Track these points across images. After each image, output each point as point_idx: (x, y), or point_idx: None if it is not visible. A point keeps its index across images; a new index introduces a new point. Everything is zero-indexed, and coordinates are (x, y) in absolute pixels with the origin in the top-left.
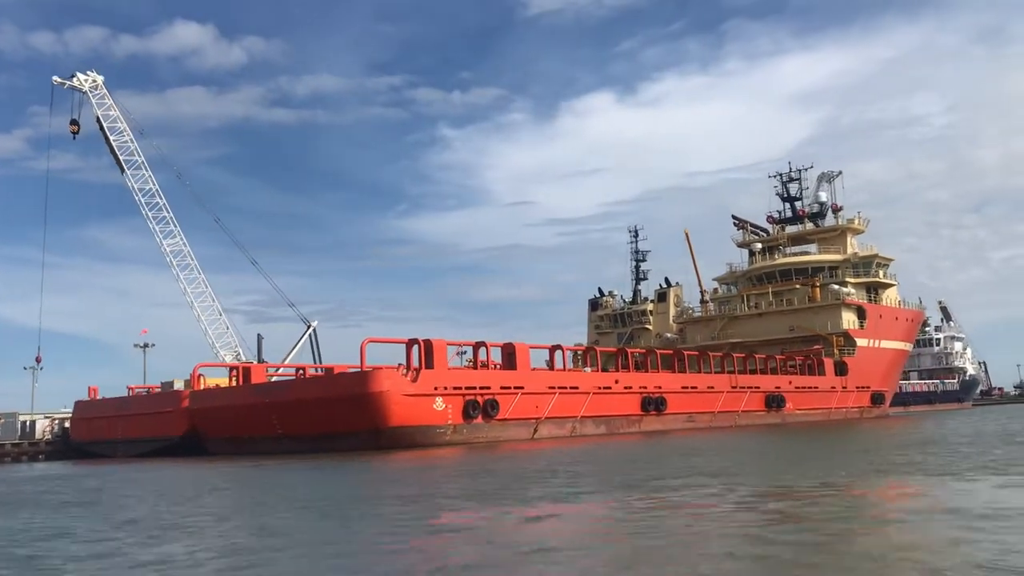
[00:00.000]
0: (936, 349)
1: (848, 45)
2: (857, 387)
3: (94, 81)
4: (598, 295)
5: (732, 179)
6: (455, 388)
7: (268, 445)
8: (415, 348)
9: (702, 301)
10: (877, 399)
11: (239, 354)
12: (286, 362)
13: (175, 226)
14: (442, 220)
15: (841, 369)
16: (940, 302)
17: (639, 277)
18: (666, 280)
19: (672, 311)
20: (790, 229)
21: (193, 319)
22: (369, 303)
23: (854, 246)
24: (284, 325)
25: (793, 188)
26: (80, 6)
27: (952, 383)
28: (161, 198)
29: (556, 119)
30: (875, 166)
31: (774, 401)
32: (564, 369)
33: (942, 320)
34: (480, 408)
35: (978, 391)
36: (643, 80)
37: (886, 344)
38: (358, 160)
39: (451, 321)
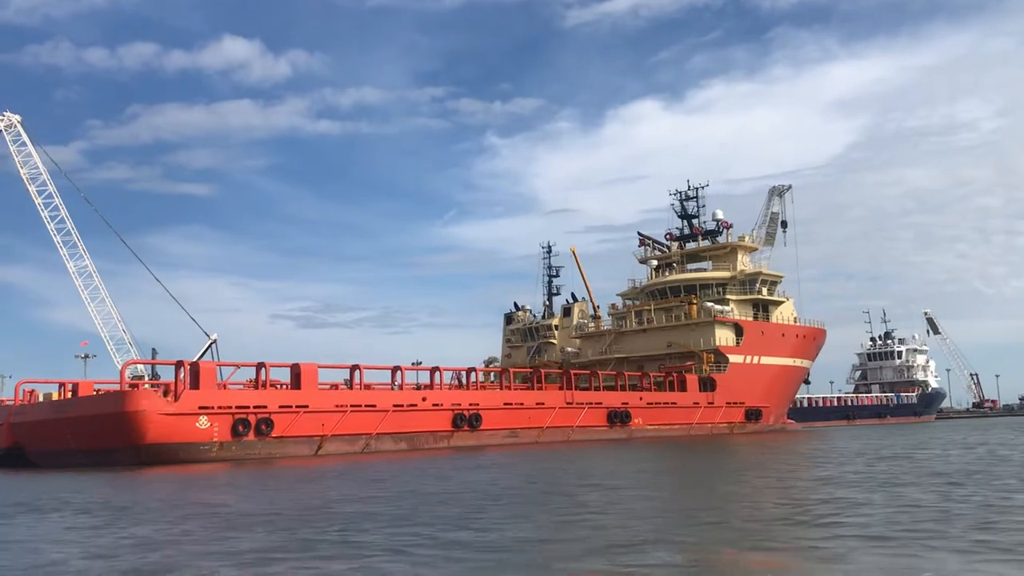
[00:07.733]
0: (898, 362)
1: (894, 52)
2: (728, 403)
3: (8, 120)
4: (513, 309)
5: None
6: (223, 407)
7: (70, 458)
8: (181, 369)
9: (594, 317)
10: (752, 415)
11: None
12: None
13: (81, 246)
14: (488, 227)
15: (708, 385)
16: (926, 313)
17: (551, 292)
18: (572, 295)
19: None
20: (690, 246)
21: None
22: (417, 309)
23: (744, 263)
24: (335, 331)
25: (690, 206)
26: (132, 23)
27: (910, 396)
28: (68, 221)
29: (603, 127)
30: (920, 173)
31: (618, 417)
32: (466, 388)
33: (928, 332)
34: (251, 426)
35: (970, 404)
36: (691, 87)
37: (768, 360)
38: (404, 169)
39: (497, 327)
